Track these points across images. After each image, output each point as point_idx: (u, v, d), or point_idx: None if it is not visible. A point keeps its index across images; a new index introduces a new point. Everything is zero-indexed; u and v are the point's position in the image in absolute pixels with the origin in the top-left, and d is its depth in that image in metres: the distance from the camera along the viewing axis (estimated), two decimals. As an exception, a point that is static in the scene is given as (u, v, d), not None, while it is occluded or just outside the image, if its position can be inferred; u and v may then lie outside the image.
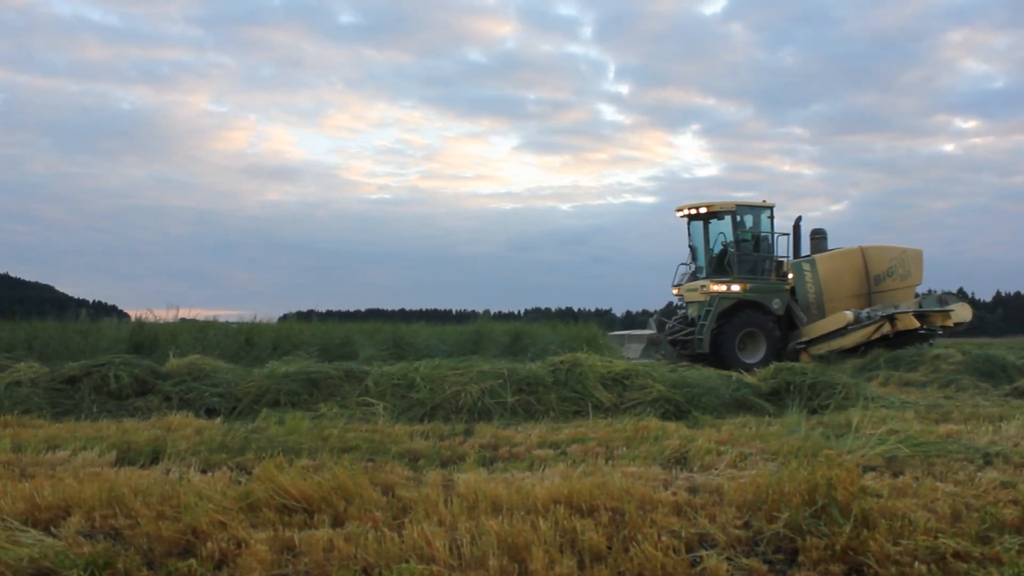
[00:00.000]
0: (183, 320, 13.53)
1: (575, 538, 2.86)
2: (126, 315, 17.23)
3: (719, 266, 15.41)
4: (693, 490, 3.75)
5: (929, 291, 16.31)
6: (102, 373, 7.50)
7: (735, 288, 14.77)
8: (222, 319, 14.59)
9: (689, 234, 16.14)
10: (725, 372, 8.82)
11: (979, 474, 4.02)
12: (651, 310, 22.66)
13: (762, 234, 15.56)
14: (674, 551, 2.74)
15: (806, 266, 15.55)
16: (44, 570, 2.63)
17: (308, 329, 13.53)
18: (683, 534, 2.95)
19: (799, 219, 16.02)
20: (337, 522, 3.17)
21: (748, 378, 8.18)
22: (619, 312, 45.42)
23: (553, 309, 40.20)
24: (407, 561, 2.67)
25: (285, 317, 16.26)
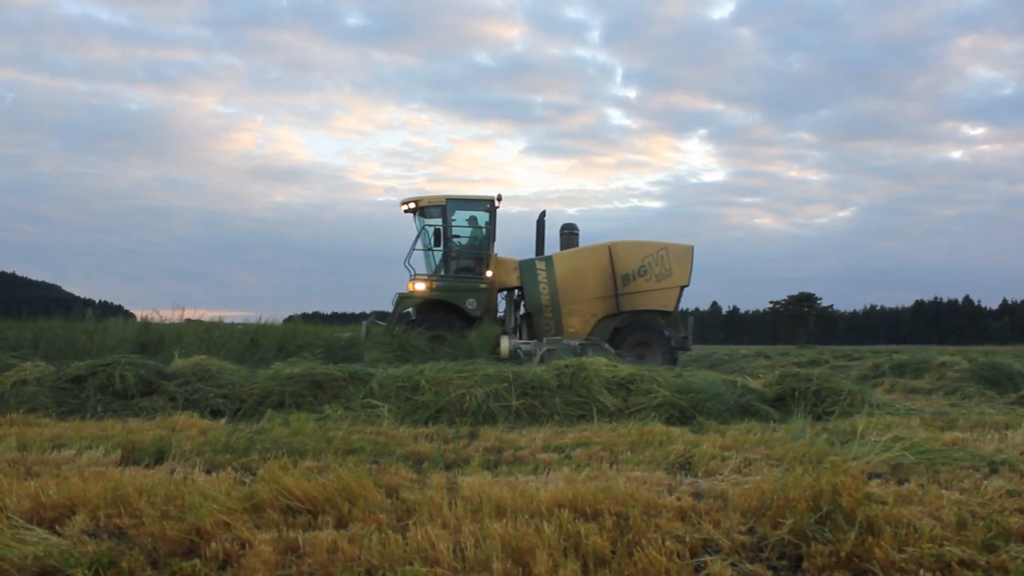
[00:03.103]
0: (188, 321, 13.58)
1: (579, 542, 2.86)
2: (132, 315, 17.30)
3: (432, 263, 14.54)
4: (697, 495, 3.74)
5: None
6: (108, 373, 7.53)
7: (419, 287, 13.85)
8: (227, 320, 14.63)
9: (416, 230, 15.20)
10: (730, 378, 8.80)
11: (985, 482, 4.00)
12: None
13: (481, 229, 14.56)
14: (678, 556, 2.73)
15: (540, 264, 14.24)
16: (49, 569, 2.63)
17: (313, 330, 13.56)
18: (687, 539, 2.95)
19: (543, 214, 15.19)
20: (341, 524, 3.17)
21: (753, 384, 8.18)
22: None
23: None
24: (411, 563, 2.67)
25: (290, 318, 16.34)
